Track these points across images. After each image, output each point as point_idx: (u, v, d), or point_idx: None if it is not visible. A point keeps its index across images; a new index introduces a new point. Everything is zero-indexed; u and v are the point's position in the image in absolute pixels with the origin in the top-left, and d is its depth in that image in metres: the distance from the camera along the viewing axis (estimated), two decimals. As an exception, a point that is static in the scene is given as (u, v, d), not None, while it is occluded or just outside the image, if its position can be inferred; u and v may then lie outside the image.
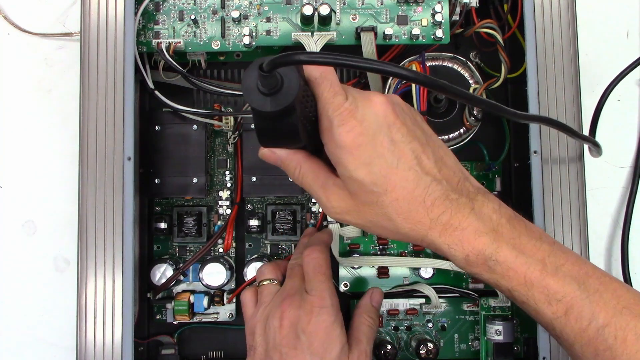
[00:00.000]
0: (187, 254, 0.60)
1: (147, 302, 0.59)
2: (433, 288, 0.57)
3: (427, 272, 0.58)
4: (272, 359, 0.47)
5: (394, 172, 0.39)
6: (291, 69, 0.36)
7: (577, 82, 0.54)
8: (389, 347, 0.55)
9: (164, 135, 0.58)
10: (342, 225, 0.58)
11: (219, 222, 0.60)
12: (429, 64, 0.58)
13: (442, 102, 0.57)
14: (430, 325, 0.58)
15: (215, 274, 0.57)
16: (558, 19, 0.54)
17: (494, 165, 0.60)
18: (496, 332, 0.55)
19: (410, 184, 0.39)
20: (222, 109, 0.60)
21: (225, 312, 0.59)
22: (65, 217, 0.61)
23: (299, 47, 0.56)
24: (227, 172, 0.60)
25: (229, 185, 0.60)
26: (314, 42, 0.55)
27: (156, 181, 0.57)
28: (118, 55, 0.53)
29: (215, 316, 0.58)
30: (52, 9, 0.64)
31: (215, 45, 0.56)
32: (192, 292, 0.58)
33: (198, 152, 0.58)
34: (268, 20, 0.56)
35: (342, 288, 0.58)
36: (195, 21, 0.56)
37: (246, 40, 0.55)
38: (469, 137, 0.58)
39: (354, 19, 0.56)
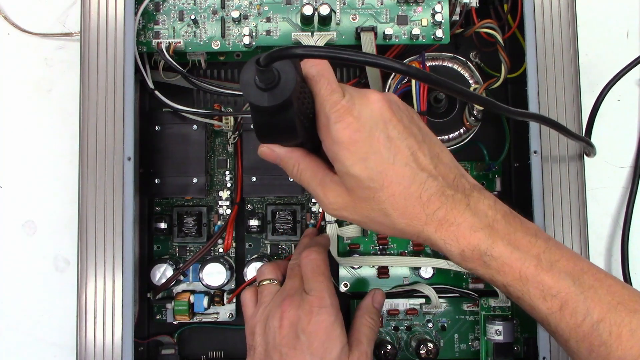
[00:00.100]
0: (187, 254, 0.60)
1: (147, 302, 0.59)
2: (433, 288, 0.57)
3: (427, 272, 0.58)
4: (272, 359, 0.47)
5: (390, 168, 0.39)
6: (288, 65, 0.37)
7: (577, 82, 0.54)
8: (389, 347, 0.55)
9: (164, 135, 0.58)
10: (340, 224, 0.58)
11: (219, 222, 0.60)
12: (429, 63, 0.58)
13: (442, 102, 0.57)
14: (430, 325, 0.58)
15: (215, 274, 0.57)
16: (558, 19, 0.54)
17: (494, 165, 0.60)
18: (496, 332, 0.55)
19: (406, 179, 0.39)
20: (222, 109, 0.60)
21: (225, 312, 0.59)
22: (65, 217, 0.61)
23: (299, 47, 0.56)
24: (227, 172, 0.60)
25: (229, 185, 0.60)
26: (314, 42, 0.55)
27: (156, 181, 0.57)
28: (118, 55, 0.53)
29: (215, 316, 0.58)
30: (52, 9, 0.64)
31: (215, 45, 0.56)
32: (192, 292, 0.58)
33: (198, 152, 0.58)
34: (268, 20, 0.56)
35: (342, 288, 0.58)
36: (195, 21, 0.56)
37: (246, 40, 0.55)
38: (469, 137, 0.58)
39: (354, 19, 0.56)
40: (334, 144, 0.39)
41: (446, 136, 0.58)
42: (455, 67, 0.58)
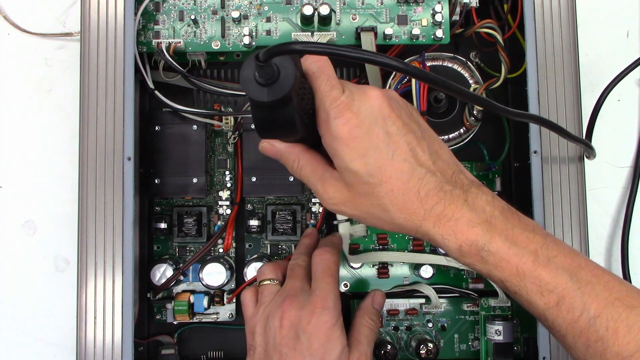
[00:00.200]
0: (187, 254, 0.60)
1: (147, 302, 0.59)
2: (433, 288, 0.57)
3: (427, 272, 0.58)
4: (271, 359, 0.47)
5: (389, 163, 0.40)
6: (287, 61, 0.37)
7: (577, 82, 0.54)
8: (389, 347, 0.55)
9: (164, 135, 0.58)
10: (352, 223, 0.57)
11: (219, 222, 0.60)
12: (429, 63, 0.58)
13: (442, 102, 0.57)
14: (430, 325, 0.58)
15: (215, 274, 0.57)
16: (558, 19, 0.54)
17: (494, 165, 0.60)
18: (496, 332, 0.55)
19: (405, 175, 0.40)
20: (222, 109, 0.60)
21: (225, 312, 0.59)
22: (65, 217, 0.61)
23: (299, 47, 0.56)
24: (227, 172, 0.60)
25: (229, 185, 0.60)
26: (314, 42, 0.55)
27: (156, 181, 0.57)
28: (118, 55, 0.53)
29: (215, 316, 0.58)
30: (52, 9, 0.64)
31: (215, 45, 0.56)
32: (192, 292, 0.58)
33: (198, 152, 0.58)
34: (268, 20, 0.56)
35: (342, 288, 0.58)
36: (195, 21, 0.56)
37: (246, 40, 0.55)
38: (469, 137, 0.58)
39: (354, 19, 0.56)
40: (333, 139, 0.40)
41: (446, 136, 0.58)
42: (455, 67, 0.58)
